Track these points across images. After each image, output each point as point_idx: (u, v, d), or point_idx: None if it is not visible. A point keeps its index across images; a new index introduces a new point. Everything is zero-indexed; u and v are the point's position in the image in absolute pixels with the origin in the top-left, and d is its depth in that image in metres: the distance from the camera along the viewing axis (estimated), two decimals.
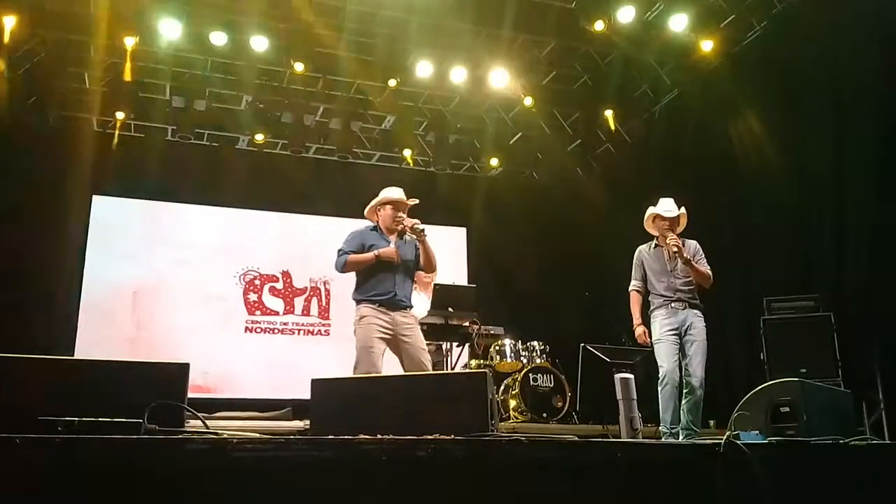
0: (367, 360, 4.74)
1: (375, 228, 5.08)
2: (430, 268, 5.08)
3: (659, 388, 5.30)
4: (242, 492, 2.07)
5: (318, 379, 2.83)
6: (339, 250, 5.00)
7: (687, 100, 8.46)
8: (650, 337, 5.47)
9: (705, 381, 5.21)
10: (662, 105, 8.84)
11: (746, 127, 7.29)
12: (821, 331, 5.99)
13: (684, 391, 5.26)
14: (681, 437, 5.08)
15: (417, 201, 5.15)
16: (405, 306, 4.96)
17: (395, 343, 4.86)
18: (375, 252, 4.88)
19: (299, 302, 9.67)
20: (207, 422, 2.70)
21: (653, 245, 5.66)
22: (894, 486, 2.77)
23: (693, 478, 2.50)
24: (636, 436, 3.26)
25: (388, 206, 5.06)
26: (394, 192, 5.11)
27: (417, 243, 5.04)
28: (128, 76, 7.81)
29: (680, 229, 5.60)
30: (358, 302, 4.97)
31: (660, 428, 5.32)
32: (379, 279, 4.93)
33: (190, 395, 2.51)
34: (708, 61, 7.78)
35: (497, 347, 7.61)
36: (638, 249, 5.72)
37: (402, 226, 4.93)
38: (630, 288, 5.69)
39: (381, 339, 4.81)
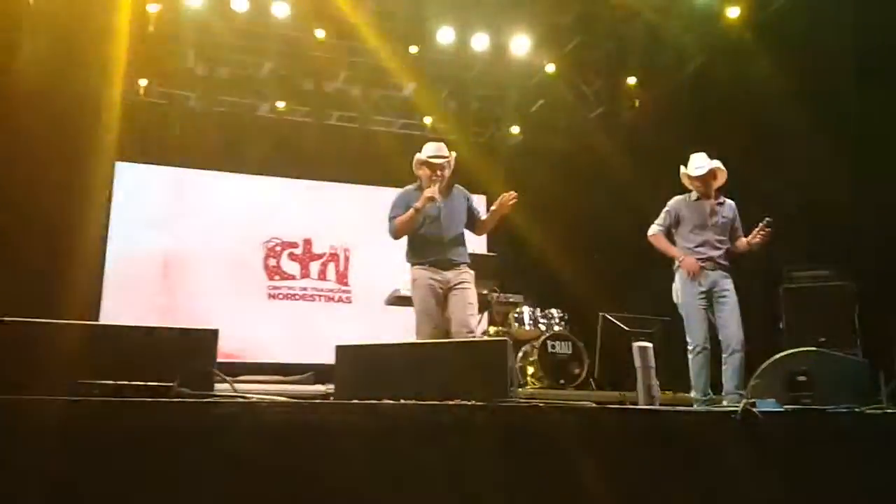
0: (426, 322, 4.80)
1: (420, 188, 5.01)
2: (479, 231, 5.19)
3: (690, 357, 5.22)
4: (270, 453, 2.14)
5: (342, 345, 2.90)
6: (389, 218, 4.97)
7: (712, 67, 8.35)
8: (678, 297, 5.37)
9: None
10: (688, 73, 8.75)
11: (770, 95, 7.20)
12: (840, 300, 5.96)
13: (723, 356, 5.15)
14: (725, 404, 4.95)
15: (454, 155, 5.06)
16: (458, 264, 4.94)
17: (446, 299, 4.87)
18: (415, 206, 4.82)
19: (315, 266, 9.75)
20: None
21: (693, 196, 5.50)
22: None
23: (709, 444, 2.55)
24: (654, 403, 3.30)
25: (425, 167, 5.00)
26: (428, 150, 5.03)
27: (468, 198, 5.09)
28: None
29: (718, 183, 5.46)
30: (411, 265, 4.99)
31: (692, 395, 5.26)
32: (427, 241, 4.93)
33: None
34: (734, 29, 7.67)
35: (516, 315, 7.66)
36: (675, 198, 5.56)
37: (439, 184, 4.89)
38: (652, 231, 5.52)
39: (435, 297, 4.83)
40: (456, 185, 5.16)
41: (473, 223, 5.13)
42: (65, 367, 2.30)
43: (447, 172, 4.99)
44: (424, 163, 4.98)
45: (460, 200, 5.11)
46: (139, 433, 2.04)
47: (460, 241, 5.03)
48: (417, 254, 4.96)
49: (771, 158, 7.31)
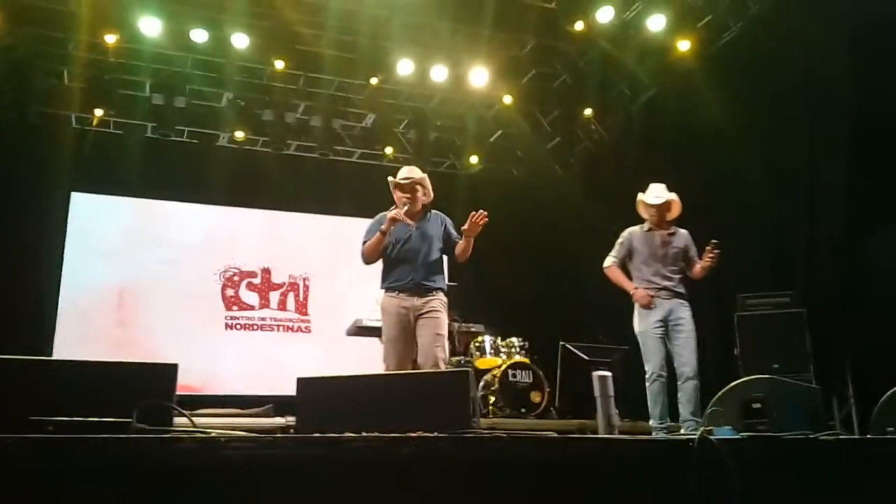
0: (394, 352, 4.69)
1: None
2: (458, 257, 4.94)
3: (647, 385, 5.29)
4: (230, 489, 2.11)
5: (303, 378, 2.88)
6: (362, 243, 4.86)
7: (664, 99, 8.56)
8: (635, 327, 5.44)
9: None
10: (640, 103, 8.94)
11: (722, 126, 7.38)
12: (794, 327, 6.08)
13: (678, 383, 5.22)
14: (682, 431, 5.03)
15: (426, 177, 5.01)
16: (429, 290, 4.80)
17: (415, 326, 4.72)
18: (381, 229, 4.73)
19: (275, 296, 9.66)
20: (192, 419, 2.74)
21: (645, 228, 5.60)
22: (863, 479, 2.86)
23: (668, 473, 2.57)
24: (613, 432, 3.33)
25: (397, 190, 4.93)
26: (400, 173, 4.98)
27: (445, 222, 4.98)
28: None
29: (672, 215, 5.57)
30: (383, 291, 4.86)
31: (650, 423, 5.32)
32: (398, 264, 4.82)
33: None
34: (685, 61, 7.89)
35: (476, 344, 7.68)
36: (628, 230, 5.65)
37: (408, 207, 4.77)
38: (607, 263, 5.59)
39: (402, 327, 4.70)
40: (433, 210, 5.07)
41: (451, 248, 4.97)
42: (18, 403, 2.24)
43: (419, 195, 4.90)
44: (396, 185, 4.94)
45: (436, 224, 4.98)
46: (95, 471, 2.01)
47: (435, 266, 4.91)
48: (388, 278, 4.85)
49: (722, 187, 7.48)
